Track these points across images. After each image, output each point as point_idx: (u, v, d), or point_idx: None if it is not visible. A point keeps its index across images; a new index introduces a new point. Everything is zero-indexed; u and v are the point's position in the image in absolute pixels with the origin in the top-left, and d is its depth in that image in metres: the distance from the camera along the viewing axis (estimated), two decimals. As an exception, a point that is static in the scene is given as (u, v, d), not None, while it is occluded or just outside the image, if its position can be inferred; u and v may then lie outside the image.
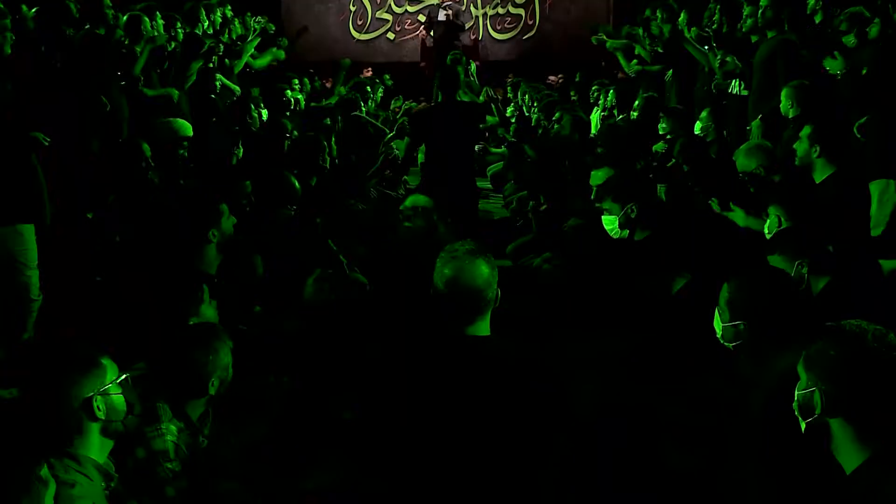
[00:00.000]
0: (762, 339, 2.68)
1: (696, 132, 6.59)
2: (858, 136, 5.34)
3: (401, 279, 4.01)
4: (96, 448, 2.35)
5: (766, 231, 3.80)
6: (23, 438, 2.32)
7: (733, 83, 6.61)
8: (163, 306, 3.46)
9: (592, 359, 4.01)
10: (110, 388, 2.37)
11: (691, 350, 3.55)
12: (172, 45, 7.35)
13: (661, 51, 8.41)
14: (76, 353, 2.42)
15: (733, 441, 2.79)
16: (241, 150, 6.28)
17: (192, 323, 3.26)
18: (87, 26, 6.22)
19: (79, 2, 6.09)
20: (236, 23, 9.16)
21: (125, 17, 6.68)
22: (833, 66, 5.57)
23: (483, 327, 2.56)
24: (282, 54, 9.14)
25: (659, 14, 8.70)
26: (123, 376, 2.43)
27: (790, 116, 5.39)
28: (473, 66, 9.36)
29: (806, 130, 4.47)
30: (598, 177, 5.14)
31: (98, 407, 2.32)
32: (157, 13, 7.12)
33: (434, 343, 2.57)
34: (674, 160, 6.38)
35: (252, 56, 8.48)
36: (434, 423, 2.45)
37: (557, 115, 7.49)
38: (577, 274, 5.16)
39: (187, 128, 5.92)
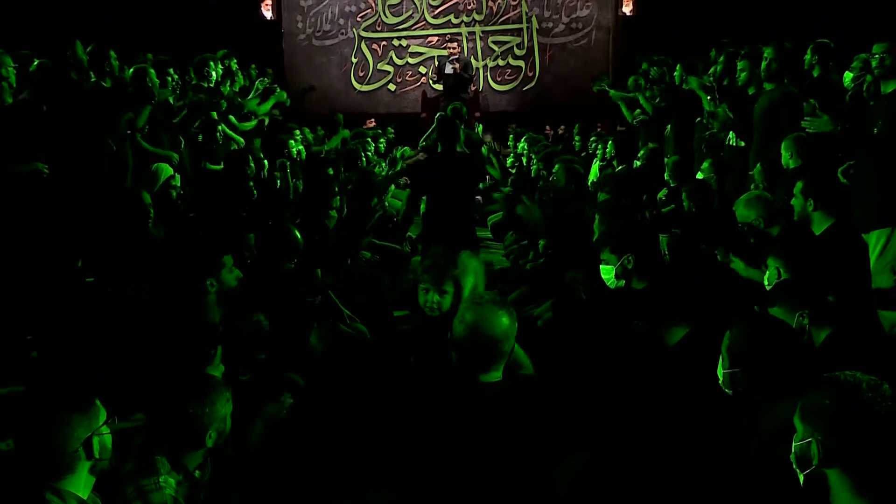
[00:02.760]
0: (759, 387, 2.68)
1: (697, 182, 6.63)
2: (843, 180, 5.40)
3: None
4: (82, 485, 2.42)
5: (765, 282, 3.81)
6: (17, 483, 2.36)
7: (731, 135, 6.67)
8: (165, 356, 3.47)
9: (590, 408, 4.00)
10: (102, 428, 2.45)
11: (691, 398, 3.54)
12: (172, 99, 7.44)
13: (660, 101, 8.52)
14: (75, 394, 2.48)
15: (733, 490, 2.77)
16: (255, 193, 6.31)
17: (197, 373, 3.26)
18: (94, 78, 6.31)
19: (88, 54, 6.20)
20: (239, 75, 9.27)
21: (131, 70, 6.78)
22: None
23: (495, 376, 2.57)
24: (284, 95, 9.24)
25: (654, 70, 8.84)
26: (112, 417, 2.52)
27: (790, 167, 5.44)
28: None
29: (798, 186, 4.51)
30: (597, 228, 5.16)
31: (95, 446, 2.40)
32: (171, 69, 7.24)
33: (446, 389, 2.57)
34: (673, 206, 6.41)
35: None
36: (447, 468, 2.45)
37: (556, 168, 7.56)
38: (575, 323, 5.16)
39: (167, 170, 5.97)
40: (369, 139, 10.92)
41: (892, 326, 4.00)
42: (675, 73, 8.51)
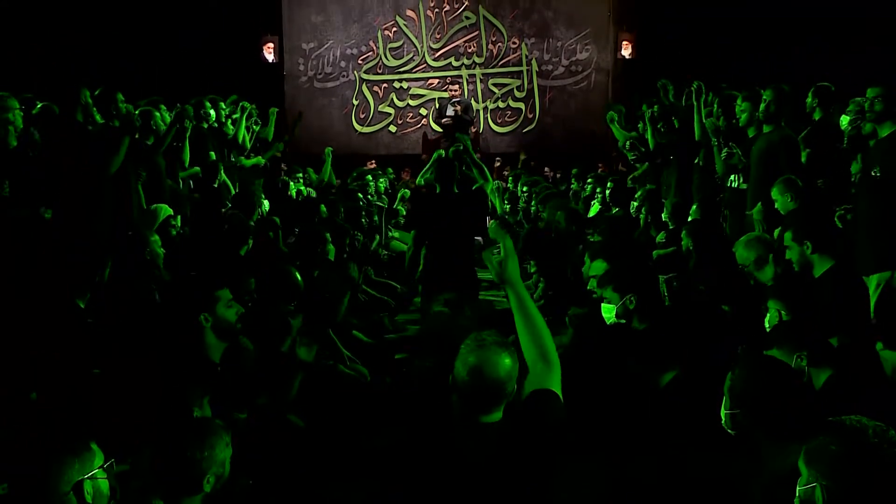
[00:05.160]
0: (760, 429, 2.66)
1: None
2: (839, 224, 5.41)
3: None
4: None
5: (766, 325, 3.79)
6: None
7: (731, 177, 6.69)
8: (163, 396, 3.45)
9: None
10: (97, 472, 2.41)
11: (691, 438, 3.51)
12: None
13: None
14: (68, 436, 2.44)
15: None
16: (251, 242, 6.32)
17: (194, 415, 3.24)
18: (102, 120, 6.37)
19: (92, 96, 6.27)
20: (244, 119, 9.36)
21: (136, 112, 6.84)
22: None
23: (496, 417, 2.57)
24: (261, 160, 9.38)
25: (655, 108, 8.87)
26: (109, 462, 2.47)
27: (789, 210, 5.45)
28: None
29: (788, 235, 4.51)
30: (597, 267, 5.16)
31: (87, 490, 2.36)
32: (163, 106, 7.31)
33: (447, 430, 2.56)
34: (674, 249, 6.41)
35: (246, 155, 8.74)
36: None
37: (545, 213, 7.65)
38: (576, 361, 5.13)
39: (166, 210, 6.00)
40: (370, 177, 11.01)
41: (894, 368, 3.98)
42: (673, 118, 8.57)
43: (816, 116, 6.65)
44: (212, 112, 8.17)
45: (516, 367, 2.59)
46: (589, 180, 9.47)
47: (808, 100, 6.73)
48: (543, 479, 2.50)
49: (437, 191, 6.58)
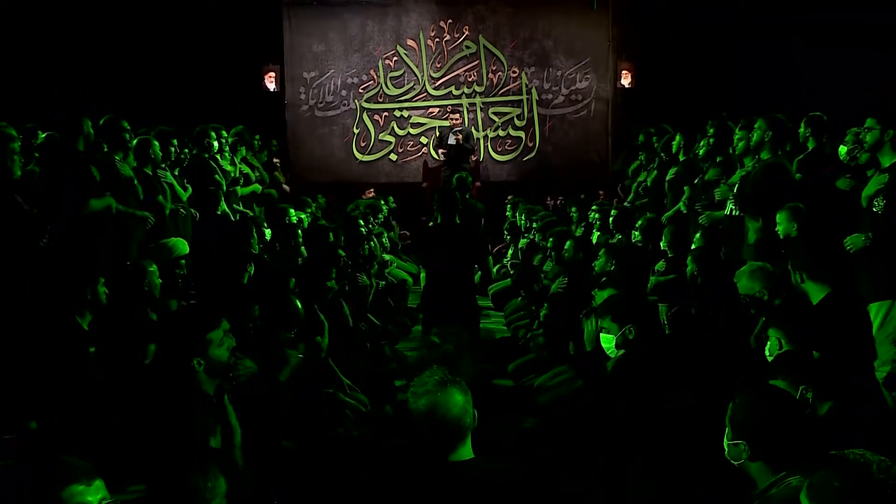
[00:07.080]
0: (763, 459, 2.66)
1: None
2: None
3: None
4: None
5: (767, 354, 3.79)
6: None
7: (728, 205, 6.71)
8: (164, 428, 3.44)
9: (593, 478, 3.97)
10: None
11: (693, 469, 3.51)
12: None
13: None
14: (70, 465, 2.43)
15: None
16: (253, 268, 6.32)
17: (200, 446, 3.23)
18: (106, 149, 6.41)
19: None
20: (242, 149, 9.42)
21: (135, 141, 6.87)
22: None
23: (465, 451, 2.56)
24: (258, 188, 9.46)
25: (655, 140, 8.95)
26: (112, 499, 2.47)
27: (792, 237, 5.45)
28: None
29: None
30: (602, 297, 5.17)
31: None
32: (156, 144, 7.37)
33: (418, 470, 2.55)
34: (675, 276, 6.41)
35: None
36: None
37: (550, 242, 7.68)
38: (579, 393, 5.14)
39: (183, 246, 5.98)
40: (382, 203, 11.06)
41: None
42: (674, 143, 8.62)
43: (810, 146, 6.69)
44: (214, 142, 8.21)
45: (469, 397, 2.57)
46: (594, 207, 9.48)
47: (801, 129, 6.77)
48: None
49: (439, 221, 6.58)
